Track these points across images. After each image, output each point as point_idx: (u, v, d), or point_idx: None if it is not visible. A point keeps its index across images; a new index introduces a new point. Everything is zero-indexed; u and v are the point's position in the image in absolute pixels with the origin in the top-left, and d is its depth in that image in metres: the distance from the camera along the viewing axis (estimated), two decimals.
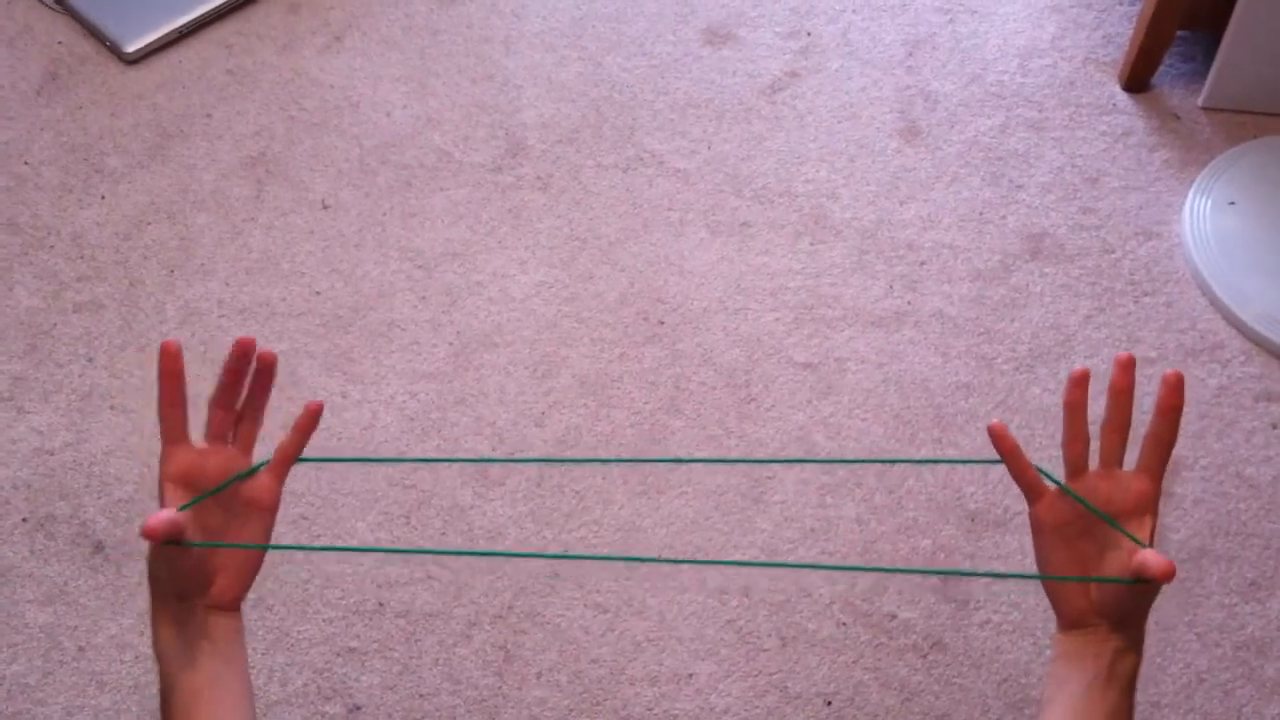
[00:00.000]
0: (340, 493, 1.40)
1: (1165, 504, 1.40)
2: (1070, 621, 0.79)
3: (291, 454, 0.82)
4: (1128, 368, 0.77)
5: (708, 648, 1.31)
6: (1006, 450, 0.80)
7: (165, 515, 0.71)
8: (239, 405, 0.80)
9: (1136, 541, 0.76)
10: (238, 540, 0.79)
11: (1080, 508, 0.78)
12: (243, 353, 0.79)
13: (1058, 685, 0.79)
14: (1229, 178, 1.65)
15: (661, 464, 1.42)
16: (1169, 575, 0.71)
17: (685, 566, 1.35)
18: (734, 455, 1.43)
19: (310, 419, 0.82)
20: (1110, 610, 0.77)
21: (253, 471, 0.80)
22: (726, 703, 1.28)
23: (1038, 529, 0.80)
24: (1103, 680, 0.76)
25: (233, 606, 0.79)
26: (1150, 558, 0.72)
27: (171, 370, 0.77)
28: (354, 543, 1.36)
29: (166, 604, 0.76)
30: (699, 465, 1.42)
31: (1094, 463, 0.79)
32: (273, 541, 0.81)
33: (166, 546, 0.72)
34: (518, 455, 1.43)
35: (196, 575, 0.76)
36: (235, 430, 0.80)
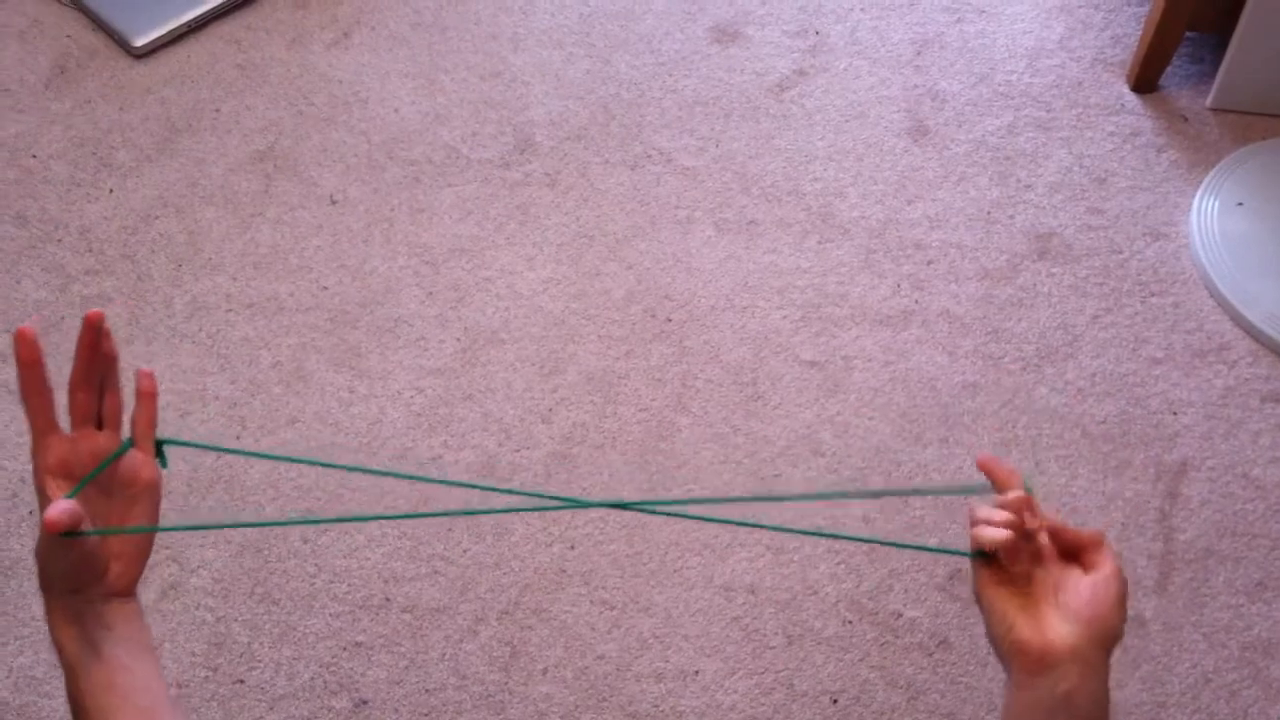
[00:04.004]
0: (348, 488, 1.40)
1: (1172, 505, 1.40)
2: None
3: (146, 423, 0.79)
4: None
5: (714, 645, 1.31)
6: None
7: (65, 505, 0.69)
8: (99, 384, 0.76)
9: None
10: (128, 522, 0.77)
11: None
12: (91, 327, 0.74)
13: None
14: (1237, 179, 1.65)
15: (669, 463, 1.42)
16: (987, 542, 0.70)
17: (692, 563, 1.35)
18: (740, 452, 1.43)
19: (148, 381, 0.79)
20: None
21: (124, 450, 0.77)
22: (732, 700, 1.28)
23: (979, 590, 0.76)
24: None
25: (128, 592, 0.77)
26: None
27: (30, 359, 0.73)
28: (361, 539, 1.36)
29: (61, 599, 0.74)
30: (704, 463, 1.42)
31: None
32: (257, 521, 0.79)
33: (59, 540, 0.70)
34: (524, 450, 1.43)
35: (90, 566, 0.74)
36: (100, 410, 0.77)
